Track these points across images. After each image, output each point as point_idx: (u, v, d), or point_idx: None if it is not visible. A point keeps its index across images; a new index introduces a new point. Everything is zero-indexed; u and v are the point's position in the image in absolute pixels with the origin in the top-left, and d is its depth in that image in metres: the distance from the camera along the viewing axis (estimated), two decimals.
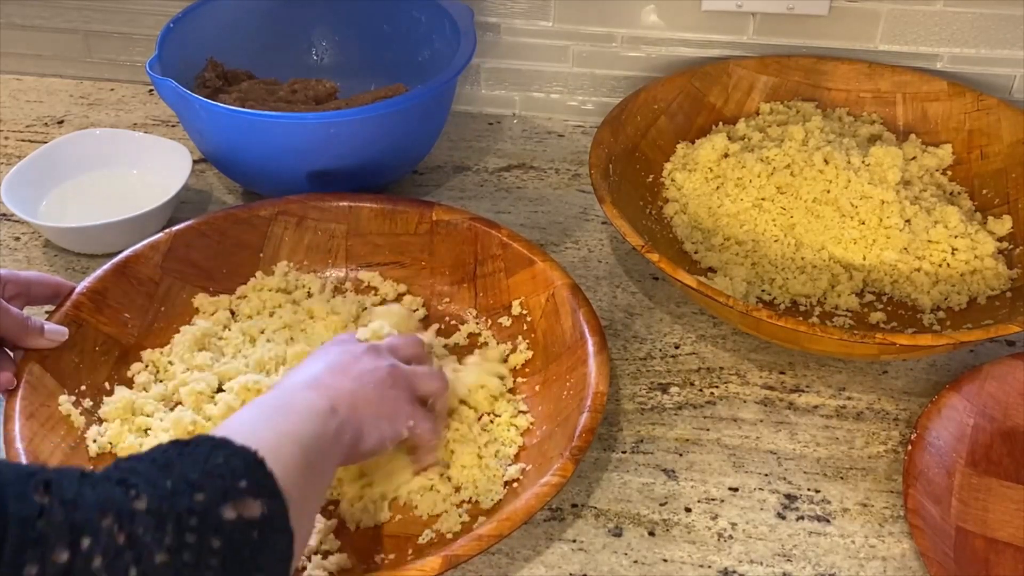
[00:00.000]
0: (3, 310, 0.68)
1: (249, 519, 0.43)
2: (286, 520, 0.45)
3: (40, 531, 0.37)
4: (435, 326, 0.81)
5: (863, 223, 0.84)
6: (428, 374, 0.68)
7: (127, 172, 0.96)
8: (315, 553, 0.64)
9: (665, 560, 0.67)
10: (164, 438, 0.70)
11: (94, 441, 0.70)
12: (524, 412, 0.74)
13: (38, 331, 0.70)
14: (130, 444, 0.70)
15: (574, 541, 0.68)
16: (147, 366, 0.76)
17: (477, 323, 0.81)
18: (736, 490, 0.71)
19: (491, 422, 0.73)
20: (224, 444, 0.46)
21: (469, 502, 0.68)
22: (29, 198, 0.91)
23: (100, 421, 0.71)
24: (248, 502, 0.44)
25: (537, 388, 0.75)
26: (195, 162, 0.95)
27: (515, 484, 0.68)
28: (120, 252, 0.79)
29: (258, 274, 0.83)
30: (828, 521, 0.69)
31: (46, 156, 0.94)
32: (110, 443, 0.70)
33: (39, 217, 0.90)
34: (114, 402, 0.72)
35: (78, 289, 0.75)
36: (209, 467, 0.44)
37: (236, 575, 0.42)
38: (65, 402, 0.70)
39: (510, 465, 0.69)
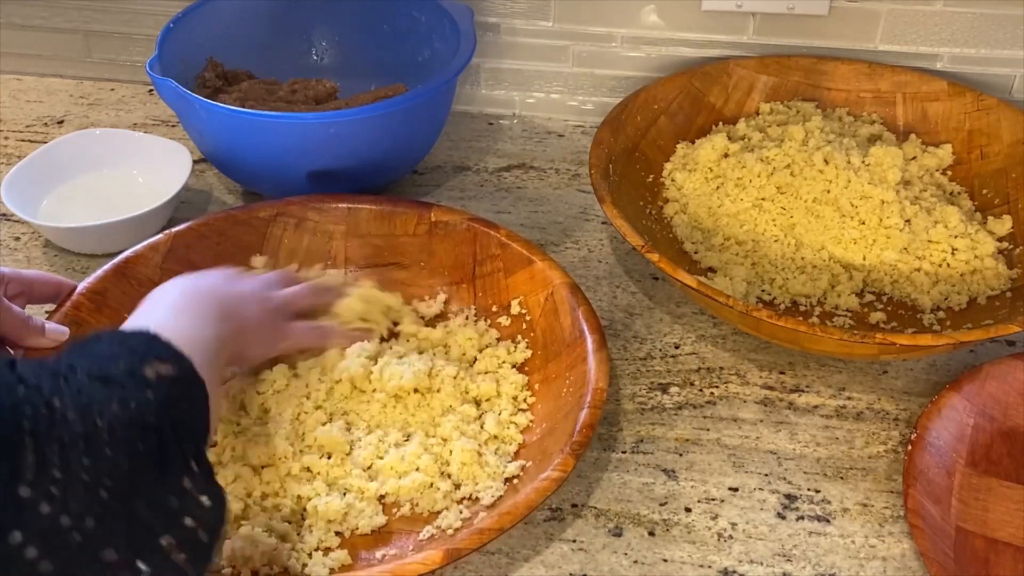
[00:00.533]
0: (4, 309, 0.68)
1: (166, 375, 0.51)
2: (195, 372, 0.53)
3: (21, 396, 0.45)
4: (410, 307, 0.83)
5: (863, 223, 0.84)
6: (300, 291, 0.77)
7: (127, 172, 0.96)
8: (316, 550, 0.64)
9: (665, 560, 0.67)
10: None
11: None
12: (524, 410, 0.74)
13: (39, 330, 0.70)
14: None
15: (574, 541, 0.68)
16: None
17: (469, 319, 0.81)
18: (736, 490, 0.71)
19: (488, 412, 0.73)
20: (116, 332, 0.54)
21: (469, 499, 0.68)
22: (29, 198, 0.91)
23: None
24: (159, 364, 0.51)
25: (537, 386, 0.75)
26: (195, 162, 0.95)
27: (515, 481, 0.68)
28: (120, 252, 0.79)
29: None
30: (828, 521, 0.69)
31: (46, 156, 0.94)
32: None
33: (39, 217, 0.90)
34: None
35: (78, 289, 0.75)
36: (116, 344, 0.51)
37: (169, 424, 0.49)
38: None
39: (510, 462, 0.70)
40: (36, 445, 0.43)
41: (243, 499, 0.67)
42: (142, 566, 0.46)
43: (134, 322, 0.60)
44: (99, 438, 0.46)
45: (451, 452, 0.70)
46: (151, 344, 0.52)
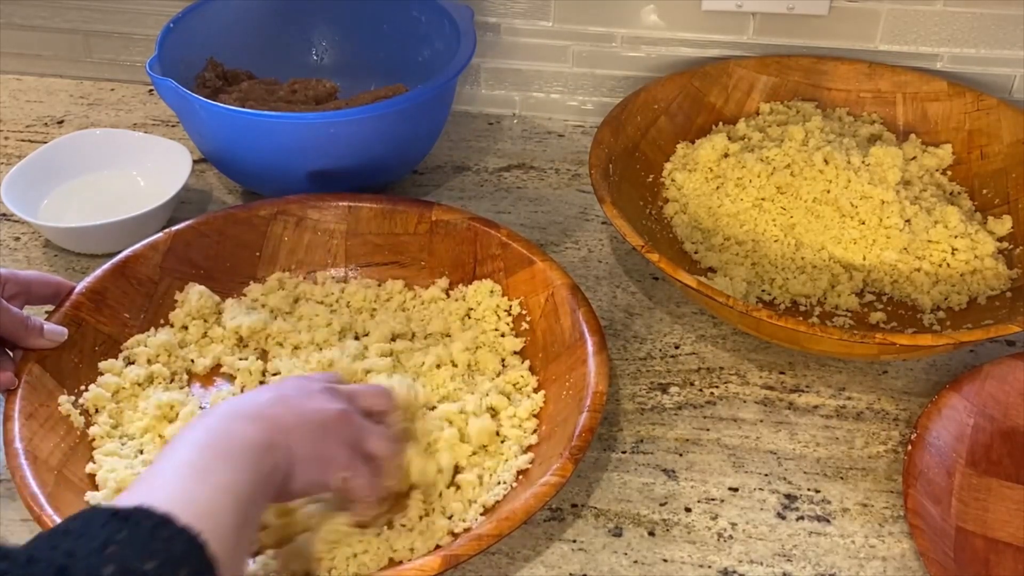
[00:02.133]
0: (3, 309, 0.67)
1: None
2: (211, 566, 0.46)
3: None
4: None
5: (863, 223, 0.84)
6: (380, 432, 0.64)
7: (127, 172, 0.96)
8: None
9: (665, 560, 0.67)
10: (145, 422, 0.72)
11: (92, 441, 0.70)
12: (535, 416, 0.74)
13: (38, 331, 0.70)
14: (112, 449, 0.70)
15: (574, 541, 0.68)
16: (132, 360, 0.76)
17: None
18: (736, 490, 0.71)
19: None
20: (165, 524, 0.46)
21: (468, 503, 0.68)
22: (29, 198, 0.91)
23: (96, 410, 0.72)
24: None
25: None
26: (195, 162, 0.95)
27: (514, 484, 0.68)
28: (120, 252, 0.79)
29: (251, 283, 0.83)
30: (828, 521, 0.69)
31: (46, 156, 0.94)
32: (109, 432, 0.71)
33: (39, 217, 0.90)
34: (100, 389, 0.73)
35: (77, 289, 0.75)
36: (150, 552, 0.44)
37: None
38: (65, 402, 0.70)
39: (521, 454, 0.70)
40: None
41: None
42: None
43: (141, 484, 0.52)
44: None
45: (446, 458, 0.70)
46: (189, 558, 0.46)
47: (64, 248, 0.90)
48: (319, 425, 0.60)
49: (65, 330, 0.71)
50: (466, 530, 0.65)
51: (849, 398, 0.78)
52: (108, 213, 0.88)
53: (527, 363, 0.77)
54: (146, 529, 0.45)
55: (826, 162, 0.86)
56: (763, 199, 0.87)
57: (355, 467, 0.61)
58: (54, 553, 0.42)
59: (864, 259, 0.83)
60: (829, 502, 0.70)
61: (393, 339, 0.79)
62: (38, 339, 0.70)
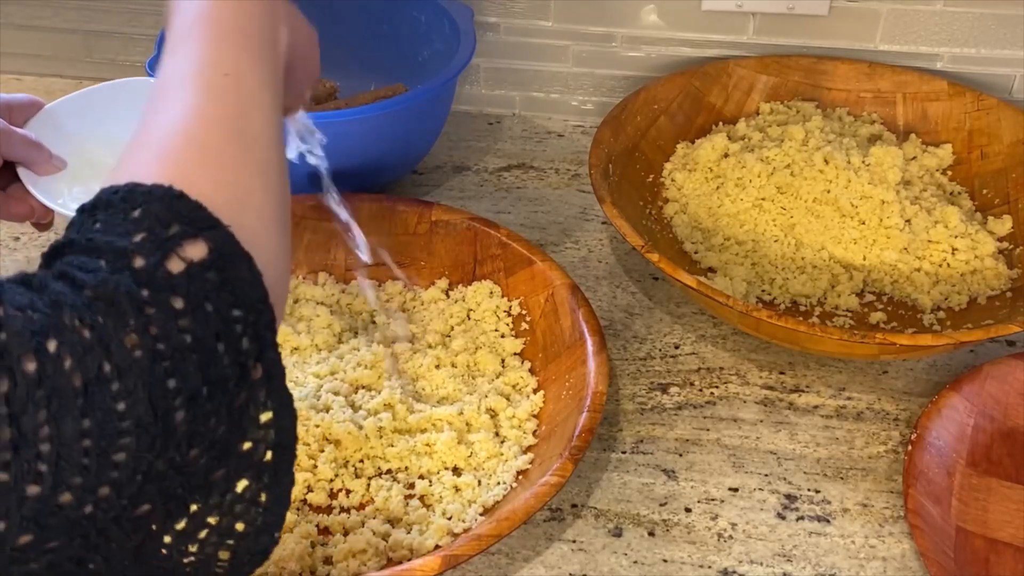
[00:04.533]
0: (9, 132, 0.61)
1: (199, 262, 0.38)
2: (237, 245, 0.40)
3: (1, 344, 0.34)
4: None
5: (863, 223, 0.84)
6: None
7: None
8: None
9: (665, 560, 0.66)
10: None
11: None
12: (535, 416, 0.74)
13: (48, 154, 0.63)
14: None
15: (574, 541, 0.68)
16: None
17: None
18: (736, 490, 0.71)
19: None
20: (132, 193, 0.39)
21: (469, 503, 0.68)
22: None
23: None
24: (188, 246, 0.38)
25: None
26: None
27: (514, 484, 0.68)
28: None
29: None
30: (828, 521, 0.69)
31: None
32: None
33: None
34: None
35: None
36: (131, 226, 0.38)
37: (213, 324, 0.38)
38: None
39: (521, 455, 0.70)
40: (10, 414, 0.33)
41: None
42: (193, 507, 0.39)
43: (142, 137, 0.43)
44: (105, 390, 0.35)
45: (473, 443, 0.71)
46: (174, 213, 0.38)
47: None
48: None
49: (66, 160, 0.65)
50: (466, 530, 0.65)
51: (849, 398, 0.78)
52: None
53: (527, 364, 0.77)
54: (117, 208, 0.39)
55: (826, 162, 0.86)
56: (763, 199, 0.87)
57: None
58: (58, 280, 0.37)
59: (864, 259, 0.83)
60: (829, 502, 0.70)
61: (393, 340, 0.79)
62: (48, 163, 0.63)
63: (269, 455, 0.40)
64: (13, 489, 0.33)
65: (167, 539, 0.39)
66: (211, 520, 0.39)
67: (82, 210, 0.40)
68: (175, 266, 0.38)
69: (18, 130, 0.63)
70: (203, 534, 0.39)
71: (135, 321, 0.36)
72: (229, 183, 0.42)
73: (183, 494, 0.38)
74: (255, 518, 0.40)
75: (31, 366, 0.34)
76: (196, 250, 0.38)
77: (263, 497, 0.40)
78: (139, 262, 0.37)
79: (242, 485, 0.40)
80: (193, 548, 0.39)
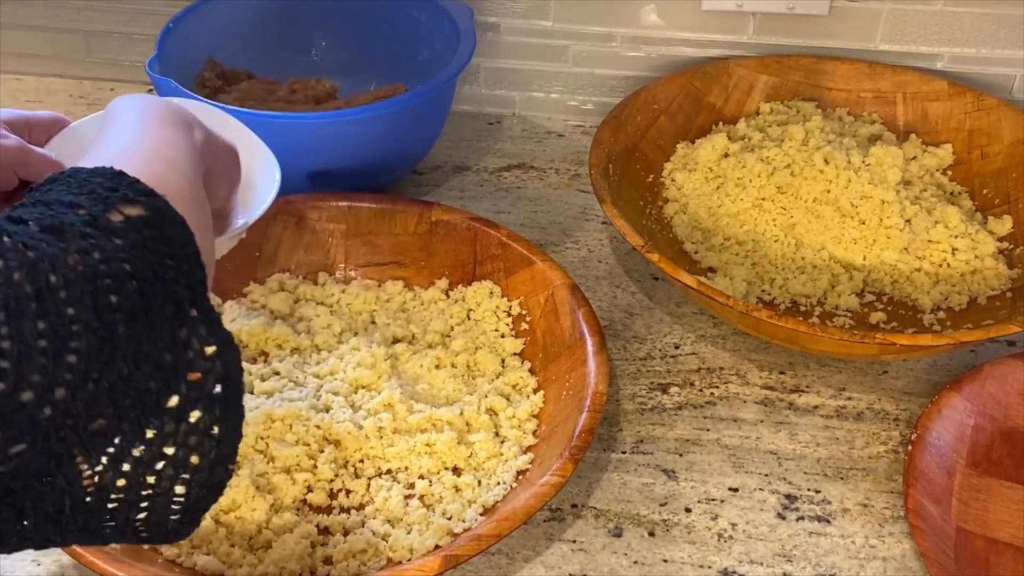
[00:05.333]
0: (26, 151, 0.61)
1: (136, 217, 0.43)
2: (171, 209, 0.45)
3: None
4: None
5: (863, 223, 0.84)
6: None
7: None
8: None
9: (665, 560, 0.66)
10: None
11: None
12: (535, 416, 0.74)
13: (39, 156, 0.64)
14: None
15: (574, 541, 0.68)
16: None
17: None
18: (736, 490, 0.71)
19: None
20: (75, 172, 0.45)
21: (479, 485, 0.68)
22: None
23: None
24: (127, 206, 0.43)
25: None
26: None
27: (514, 484, 0.68)
28: None
29: (251, 284, 0.83)
30: (828, 521, 0.69)
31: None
32: None
33: None
34: None
35: None
36: (75, 189, 0.43)
37: (151, 266, 0.42)
38: None
39: (521, 455, 0.70)
40: None
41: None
42: (150, 432, 0.42)
43: (95, 152, 0.50)
44: (55, 297, 0.39)
45: (473, 444, 0.71)
46: (115, 183, 0.44)
47: None
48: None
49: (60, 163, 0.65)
50: (466, 530, 0.65)
51: (849, 398, 0.78)
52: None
53: (527, 364, 0.77)
54: (61, 180, 0.44)
55: (826, 162, 0.86)
56: (763, 199, 0.87)
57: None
58: (3, 220, 0.42)
59: (864, 259, 0.83)
60: (829, 502, 0.70)
61: (394, 341, 0.79)
62: (41, 162, 0.64)
63: (219, 388, 0.43)
64: None
65: (126, 467, 0.41)
66: (167, 451, 0.42)
67: (32, 190, 0.44)
68: (115, 217, 0.42)
69: (37, 149, 0.63)
70: (160, 465, 0.42)
71: (76, 245, 0.40)
72: (156, 174, 0.47)
73: (137, 417, 0.41)
74: (209, 450, 0.43)
75: None
76: (134, 209, 0.43)
77: (216, 429, 0.43)
78: (82, 211, 0.42)
79: (195, 416, 0.42)
80: (151, 479, 0.42)
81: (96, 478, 0.41)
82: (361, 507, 0.68)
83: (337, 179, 0.88)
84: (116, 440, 0.41)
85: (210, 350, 0.43)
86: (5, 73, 1.14)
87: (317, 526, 0.67)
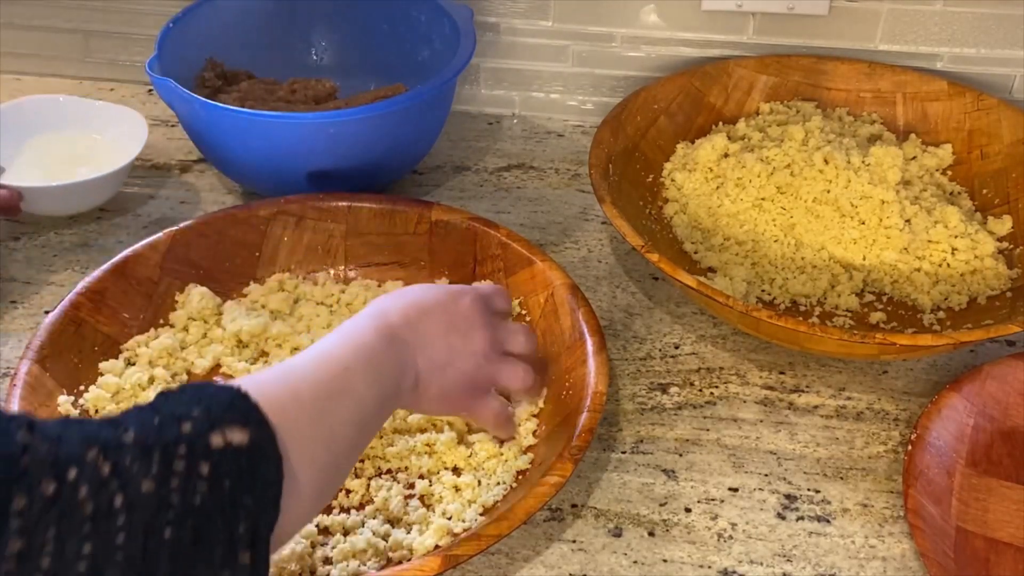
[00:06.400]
0: None
1: (237, 445, 0.43)
2: (274, 445, 0.45)
3: (24, 466, 0.38)
4: None
5: (863, 223, 0.84)
6: (517, 328, 0.67)
7: (88, 135, 0.97)
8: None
9: (665, 560, 0.66)
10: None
11: None
12: (535, 416, 0.74)
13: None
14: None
15: (574, 541, 0.68)
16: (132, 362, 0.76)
17: None
18: (736, 490, 0.71)
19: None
20: (207, 384, 0.47)
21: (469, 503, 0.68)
22: None
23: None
24: (234, 430, 0.44)
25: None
26: (194, 162, 0.95)
27: (514, 484, 0.68)
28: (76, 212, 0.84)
29: (251, 284, 0.83)
30: (828, 521, 0.69)
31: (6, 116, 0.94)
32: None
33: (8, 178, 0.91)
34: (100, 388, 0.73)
35: (77, 289, 0.75)
36: (194, 402, 0.44)
37: (223, 500, 0.42)
38: (65, 402, 0.70)
39: (521, 454, 0.70)
40: (23, 527, 0.37)
41: None
42: None
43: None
44: (110, 522, 0.39)
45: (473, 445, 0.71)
46: (233, 404, 0.45)
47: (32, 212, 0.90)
48: (456, 313, 0.62)
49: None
50: (465, 530, 0.65)
51: (849, 398, 0.78)
52: (68, 177, 0.89)
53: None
54: (190, 390, 0.45)
55: (826, 162, 0.86)
56: (763, 199, 0.87)
57: (504, 360, 0.65)
58: (117, 425, 0.43)
59: (864, 259, 0.83)
60: (829, 502, 0.70)
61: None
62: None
63: None
64: None
65: None
66: None
67: (162, 393, 0.46)
68: (216, 441, 0.43)
69: None
70: None
71: (158, 469, 0.41)
72: (291, 419, 0.48)
73: None
74: None
75: (50, 488, 0.38)
76: (237, 435, 0.44)
77: None
78: (187, 427, 0.43)
79: None
80: None
81: None
82: (361, 507, 0.68)
83: (337, 179, 0.88)
84: None
85: None
86: (5, 73, 1.14)
87: (317, 526, 0.67)
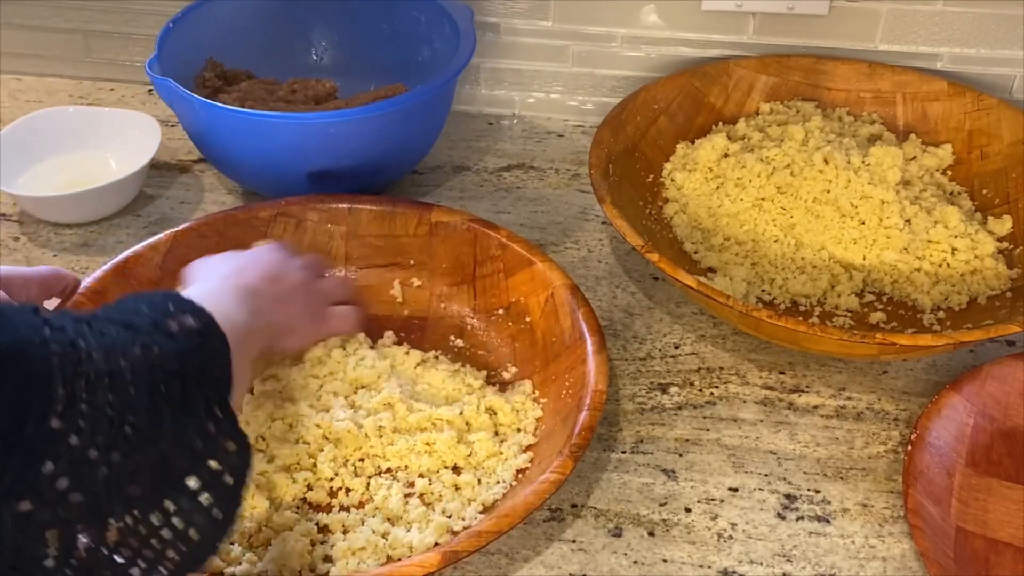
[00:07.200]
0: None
1: (189, 327, 0.53)
2: (217, 327, 0.54)
3: (47, 336, 0.46)
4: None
5: (863, 223, 0.84)
6: (333, 281, 0.80)
7: (100, 149, 0.98)
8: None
9: (665, 560, 0.67)
10: None
11: None
12: (536, 407, 0.74)
13: None
14: None
15: (574, 541, 0.68)
16: None
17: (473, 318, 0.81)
18: (736, 490, 0.71)
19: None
20: (142, 293, 0.55)
21: (468, 500, 0.68)
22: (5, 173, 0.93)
23: None
24: (182, 317, 0.53)
25: (537, 392, 0.75)
26: (194, 162, 0.95)
27: (514, 483, 0.68)
28: (92, 222, 0.85)
29: None
30: (828, 521, 0.69)
31: (18, 133, 0.95)
32: None
33: (17, 189, 0.92)
34: None
35: (77, 289, 0.75)
36: (140, 303, 0.53)
37: (191, 370, 0.51)
38: None
39: (520, 453, 0.70)
40: (64, 379, 0.45)
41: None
42: (169, 504, 0.49)
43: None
44: (122, 377, 0.47)
45: (473, 443, 0.71)
46: (174, 301, 0.54)
47: (42, 220, 0.92)
48: (305, 296, 0.73)
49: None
50: (465, 528, 0.65)
51: (849, 398, 0.78)
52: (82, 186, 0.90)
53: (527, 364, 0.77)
54: (130, 299, 0.54)
55: (826, 162, 0.86)
56: (763, 199, 0.87)
57: (334, 318, 0.76)
58: (80, 313, 0.51)
59: (864, 259, 0.83)
60: (829, 502, 0.70)
61: (398, 343, 0.79)
62: None
63: (230, 479, 0.52)
64: (63, 437, 0.45)
65: (142, 529, 0.48)
66: (175, 521, 0.49)
67: (104, 305, 0.54)
68: (172, 325, 0.52)
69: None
70: (166, 532, 0.49)
71: (142, 339, 0.50)
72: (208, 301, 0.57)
73: (164, 489, 0.49)
74: (207, 529, 0.50)
75: (70, 349, 0.46)
76: (188, 320, 0.53)
77: (217, 512, 0.51)
78: (145, 316, 0.52)
79: (205, 497, 0.50)
80: (155, 543, 0.49)
81: (116, 535, 0.47)
82: (361, 505, 0.68)
83: (337, 179, 0.88)
84: (142, 505, 0.48)
85: (231, 447, 0.52)
86: (5, 73, 1.14)
87: (317, 524, 0.67)
